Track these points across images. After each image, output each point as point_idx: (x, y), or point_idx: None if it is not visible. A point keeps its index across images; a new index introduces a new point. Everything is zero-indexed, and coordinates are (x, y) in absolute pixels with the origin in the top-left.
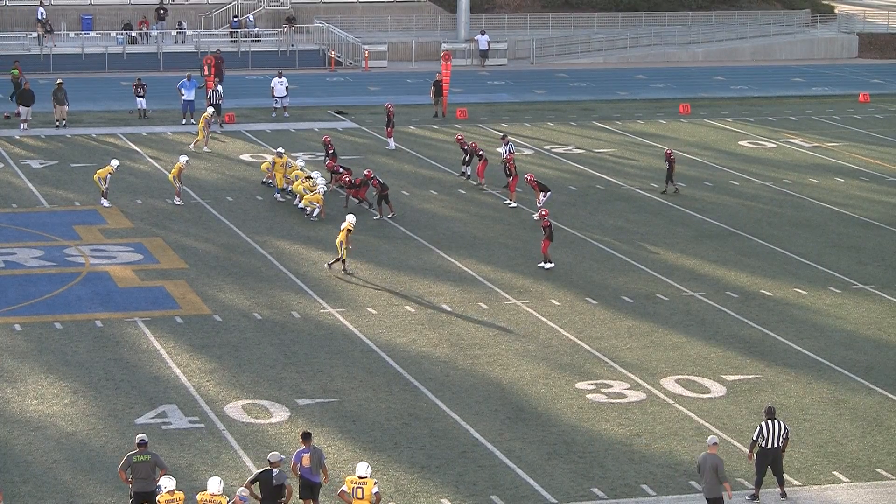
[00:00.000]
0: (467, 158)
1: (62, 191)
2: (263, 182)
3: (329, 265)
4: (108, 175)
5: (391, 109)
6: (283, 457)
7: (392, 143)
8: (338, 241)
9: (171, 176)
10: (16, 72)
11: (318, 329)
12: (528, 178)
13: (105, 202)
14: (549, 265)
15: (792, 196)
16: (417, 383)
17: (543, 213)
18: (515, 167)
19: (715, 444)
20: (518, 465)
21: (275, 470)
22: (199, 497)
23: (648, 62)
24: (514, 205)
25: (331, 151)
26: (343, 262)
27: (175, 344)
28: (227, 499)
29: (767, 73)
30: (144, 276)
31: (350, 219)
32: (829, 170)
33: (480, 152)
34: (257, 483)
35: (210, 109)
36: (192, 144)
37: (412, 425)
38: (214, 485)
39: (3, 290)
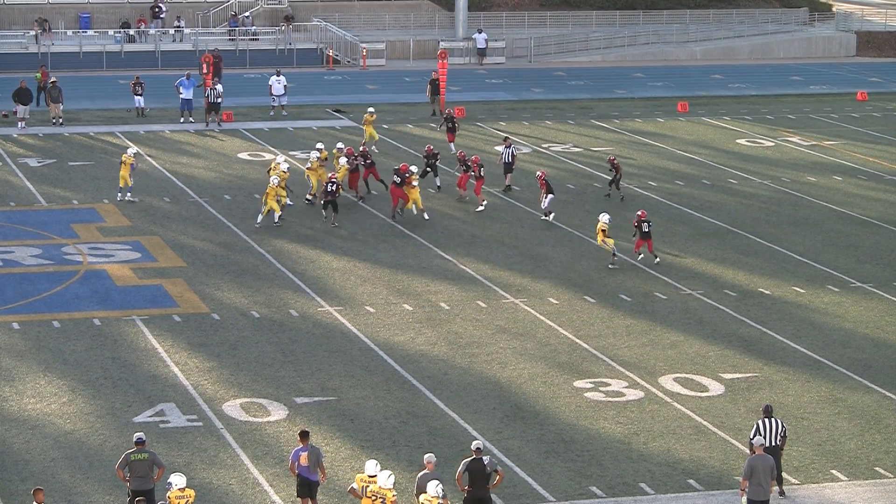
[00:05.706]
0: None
1: (60, 189)
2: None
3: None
4: (132, 165)
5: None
6: (481, 445)
7: (453, 147)
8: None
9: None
10: (39, 75)
11: (317, 327)
12: (540, 174)
13: (124, 196)
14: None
15: (790, 194)
16: (415, 382)
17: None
18: (481, 169)
19: (762, 444)
20: (516, 463)
21: (485, 458)
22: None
23: (646, 60)
24: (481, 208)
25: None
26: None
27: (173, 342)
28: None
29: (765, 71)
30: (142, 274)
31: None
32: (828, 168)
33: (469, 162)
34: (467, 473)
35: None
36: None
37: (410, 424)
38: (382, 476)
39: (1, 288)
